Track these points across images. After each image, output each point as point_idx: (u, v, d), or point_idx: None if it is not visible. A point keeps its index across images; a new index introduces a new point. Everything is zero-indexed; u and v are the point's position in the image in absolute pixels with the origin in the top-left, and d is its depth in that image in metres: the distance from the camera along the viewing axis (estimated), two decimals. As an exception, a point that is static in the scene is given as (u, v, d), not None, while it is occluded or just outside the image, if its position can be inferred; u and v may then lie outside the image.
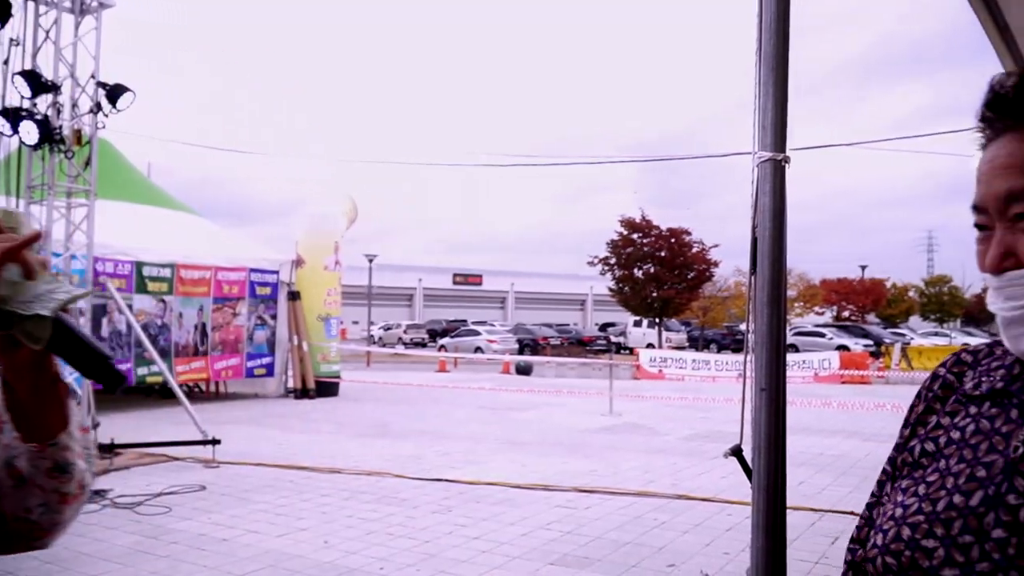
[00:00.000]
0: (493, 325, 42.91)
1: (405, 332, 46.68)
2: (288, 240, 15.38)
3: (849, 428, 10.37)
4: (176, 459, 7.87)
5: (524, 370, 22.55)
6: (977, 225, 0.76)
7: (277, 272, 14.38)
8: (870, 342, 30.54)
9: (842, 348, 27.04)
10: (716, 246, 35.00)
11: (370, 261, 34.55)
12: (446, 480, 6.91)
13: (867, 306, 47.56)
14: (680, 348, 34.24)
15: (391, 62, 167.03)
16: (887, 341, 29.01)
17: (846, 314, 47.05)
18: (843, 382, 18.96)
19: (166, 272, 12.34)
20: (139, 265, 11.89)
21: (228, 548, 4.88)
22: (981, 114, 0.77)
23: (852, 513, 5.56)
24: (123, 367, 11.47)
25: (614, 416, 11.75)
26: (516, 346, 34.71)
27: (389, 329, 48.46)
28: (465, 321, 48.41)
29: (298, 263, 14.72)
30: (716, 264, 35.37)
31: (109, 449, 7.66)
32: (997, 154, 0.74)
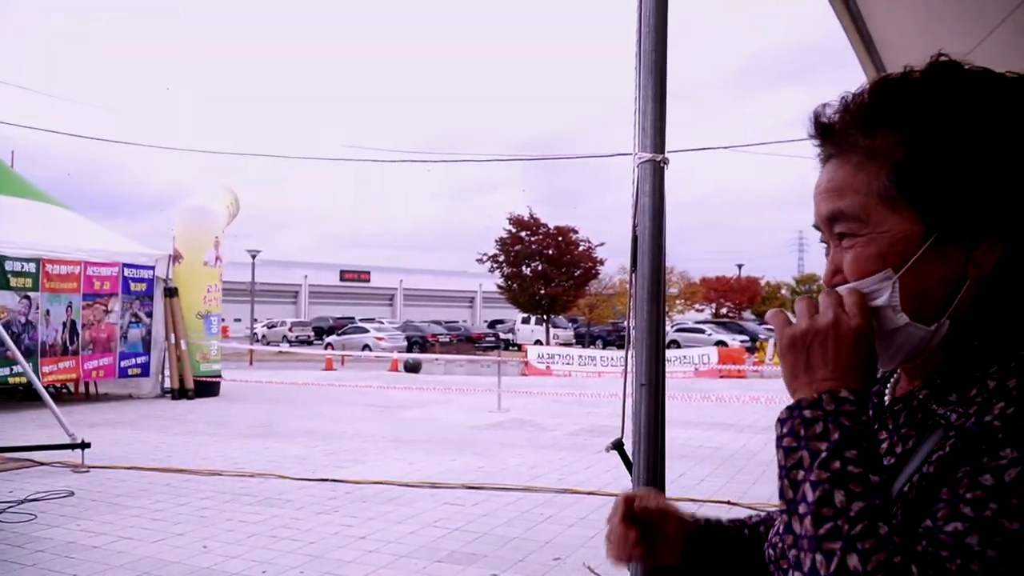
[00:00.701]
0: (381, 322, 42.45)
1: (290, 330, 45.53)
2: (165, 235, 14.72)
3: (726, 421, 10.88)
4: (42, 464, 7.41)
5: (413, 368, 22.43)
6: (822, 240, 0.84)
7: (153, 267, 13.74)
8: (746, 338, 32.08)
9: (720, 344, 28.26)
10: (602, 244, 35.91)
11: (253, 257, 33.47)
12: (332, 480, 6.81)
13: (743, 303, 49.93)
14: (567, 344, 34.95)
15: (279, 51, 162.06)
16: (762, 337, 30.53)
17: (724, 311, 49.24)
18: (721, 376, 19.84)
19: (31, 267, 11.57)
20: (1, 260, 11.10)
21: (99, 556, 4.64)
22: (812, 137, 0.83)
23: (728, 503, 5.85)
24: (-20, 368, 10.69)
25: (502, 412, 11.87)
26: (405, 343, 34.48)
27: (273, 327, 47.14)
28: (353, 318, 47.66)
29: (175, 258, 14.11)
30: (602, 262, 36.29)
31: (-36, 456, 7.14)
32: (822, 179, 0.82)
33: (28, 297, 11.51)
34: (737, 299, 49.72)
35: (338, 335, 36.53)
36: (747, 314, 49.57)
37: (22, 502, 5.94)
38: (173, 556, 4.65)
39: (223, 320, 15.24)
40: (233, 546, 4.86)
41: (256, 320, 39.17)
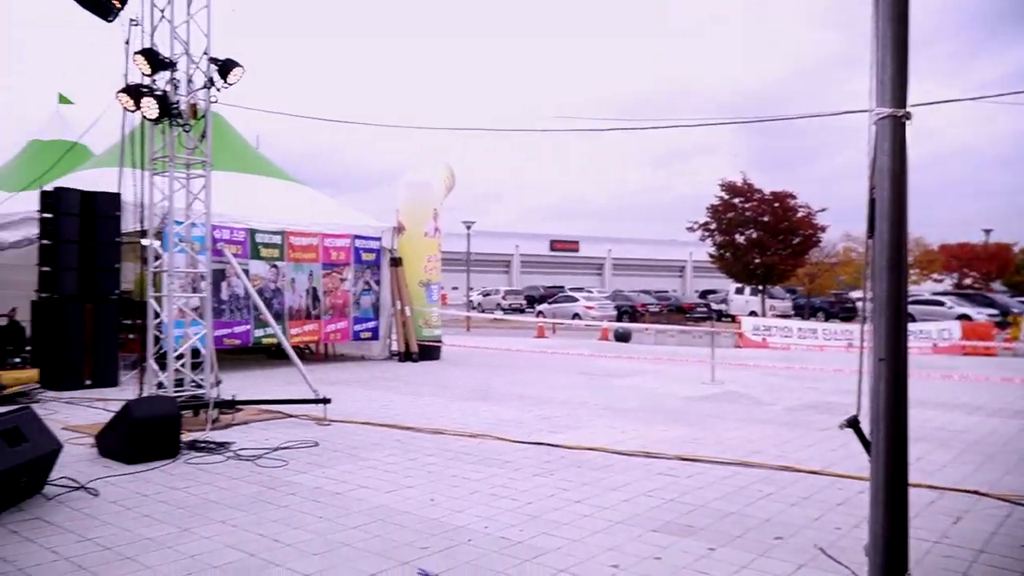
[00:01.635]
0: (591, 292, 42.79)
1: (504, 298, 47.13)
2: (389, 208, 15.72)
3: (972, 402, 9.87)
4: (291, 416, 8.26)
5: (623, 337, 22.43)
6: None
7: (380, 239, 14.75)
8: (995, 311, 28.85)
9: (964, 318, 25.64)
10: (823, 210, 33.70)
11: (468, 228, 34.93)
12: (547, 444, 6.99)
13: (992, 273, 44.86)
14: (785, 316, 33.30)
15: (493, 28, 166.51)
16: (1015, 311, 27.33)
17: (968, 281, 44.53)
18: (965, 353, 18.03)
19: (277, 239, 12.85)
20: (252, 232, 12.43)
21: (341, 501, 5.10)
22: None
23: (977, 492, 5.32)
24: (242, 328, 12.08)
25: (716, 384, 11.57)
26: (614, 313, 34.53)
27: (488, 295, 49.03)
28: (563, 287, 48.44)
29: (399, 230, 15.03)
30: (823, 229, 34.09)
31: (231, 405, 8.11)
32: None
33: (276, 266, 12.81)
34: (984, 268, 44.75)
35: (549, 303, 37.29)
36: (996, 285, 44.49)
37: (275, 449, 6.66)
38: (405, 507, 5.00)
39: (442, 288, 16.08)
40: (457, 501, 5.14)
41: (472, 288, 40.96)
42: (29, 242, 11.33)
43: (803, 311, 36.70)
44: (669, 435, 7.49)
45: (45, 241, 10.34)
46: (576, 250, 70.32)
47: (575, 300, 35.85)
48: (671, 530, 4.56)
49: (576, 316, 32.64)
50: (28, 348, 10.35)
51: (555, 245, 69.51)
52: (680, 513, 4.90)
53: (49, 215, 10.27)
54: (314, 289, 13.48)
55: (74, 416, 8.17)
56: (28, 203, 11.84)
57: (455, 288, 49.21)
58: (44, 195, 10.47)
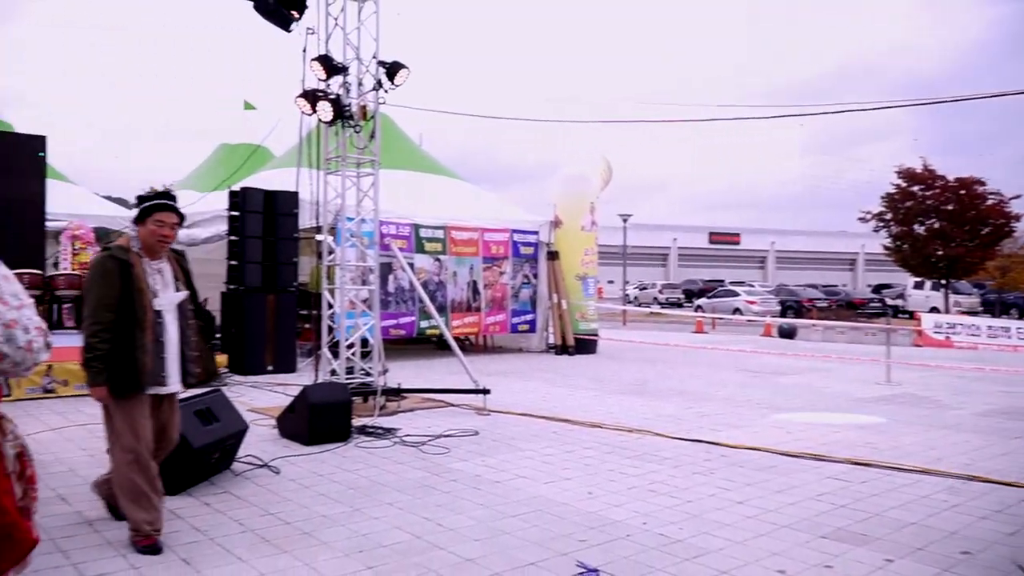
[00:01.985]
0: (752, 285, 41.24)
1: (660, 292, 46.40)
2: (546, 202, 15.85)
3: None
4: (452, 405, 8.52)
5: (788, 333, 21.48)
6: None
7: (537, 233, 14.91)
8: None
9: None
10: (1017, 197, 30.63)
11: (624, 221, 34.60)
12: (707, 442, 6.81)
13: None
14: (972, 313, 30.66)
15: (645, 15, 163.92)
16: None
17: None
18: None
19: (439, 234, 13.29)
20: (417, 227, 12.93)
21: (501, 490, 5.21)
22: None
23: None
24: (407, 320, 12.61)
25: (891, 385, 10.83)
26: (778, 308, 33.11)
27: (644, 289, 48.43)
28: (722, 281, 47.00)
29: (556, 224, 15.13)
30: (1017, 218, 31.02)
31: (397, 393, 8.48)
32: None
33: (439, 260, 13.25)
34: None
35: (708, 298, 36.30)
36: None
37: (438, 437, 6.89)
38: (563, 498, 5.03)
39: (598, 282, 16.03)
40: (615, 495, 5.11)
41: (628, 282, 40.62)
42: (219, 238, 12.36)
43: (993, 308, 33.62)
44: (839, 437, 7.10)
45: (232, 237, 11.21)
46: (737, 242, 68.02)
47: (736, 294, 34.66)
48: (842, 537, 4.32)
49: (737, 311, 31.58)
50: (218, 336, 11.28)
51: (714, 237, 67.56)
52: (853, 520, 4.63)
53: (236, 213, 11.12)
54: (474, 282, 13.84)
55: (258, 399, 8.83)
56: (218, 202, 12.91)
57: (611, 282, 48.93)
58: (232, 195, 11.35)
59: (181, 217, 4.11)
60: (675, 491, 5.23)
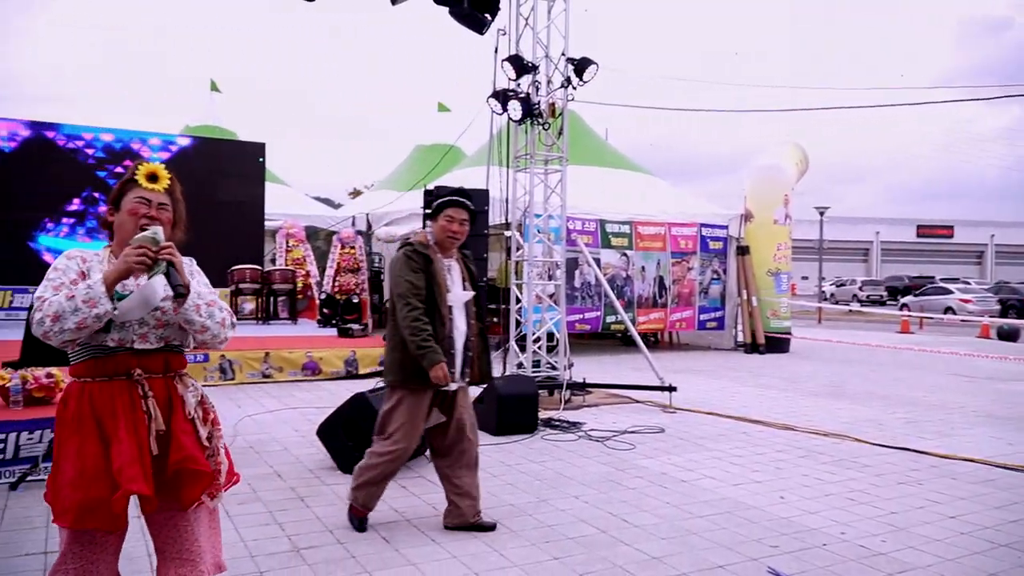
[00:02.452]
0: (967, 283, 37.65)
1: (860, 289, 43.47)
2: (735, 195, 15.33)
3: None
4: (636, 401, 8.49)
5: (1009, 335, 19.42)
6: None
7: (726, 227, 14.48)
8: None
9: None
10: None
11: (821, 214, 32.72)
12: (914, 451, 6.33)
13: None
14: None
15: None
16: None
17: None
18: None
19: (625, 228, 13.25)
20: (602, 223, 12.96)
21: (687, 489, 5.13)
22: None
23: None
24: (593, 315, 12.68)
25: None
26: (997, 307, 29.99)
27: (842, 285, 45.59)
28: (932, 278, 43.28)
29: (746, 217, 14.60)
30: None
31: (582, 387, 8.57)
32: None
33: (625, 255, 13.22)
34: None
35: (915, 295, 33.55)
36: None
37: (623, 432, 6.89)
38: (752, 501, 4.87)
39: (791, 278, 15.30)
40: (810, 501, 4.89)
41: (824, 278, 38.42)
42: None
43: None
44: (1074, 453, 6.34)
45: (427, 234, 11.78)
46: (949, 236, 62.28)
47: (948, 292, 31.76)
48: (1077, 565, 3.86)
49: (949, 310, 28.96)
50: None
51: (922, 230, 62.23)
52: (1090, 546, 4.13)
53: (430, 211, 11.68)
54: (661, 277, 13.67)
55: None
56: (413, 201, 13.61)
57: (805, 278, 46.46)
58: (426, 193, 11.90)
59: (472, 214, 4.15)
60: (877, 501, 4.91)
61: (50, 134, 12.89)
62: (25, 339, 5.32)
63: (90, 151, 13.11)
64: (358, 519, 4.20)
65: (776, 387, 9.99)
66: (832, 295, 43.15)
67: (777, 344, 14.28)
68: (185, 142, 14.22)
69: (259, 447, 6.13)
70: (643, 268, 13.41)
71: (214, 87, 18.44)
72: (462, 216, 4.08)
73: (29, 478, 4.74)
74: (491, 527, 4.22)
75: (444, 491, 4.25)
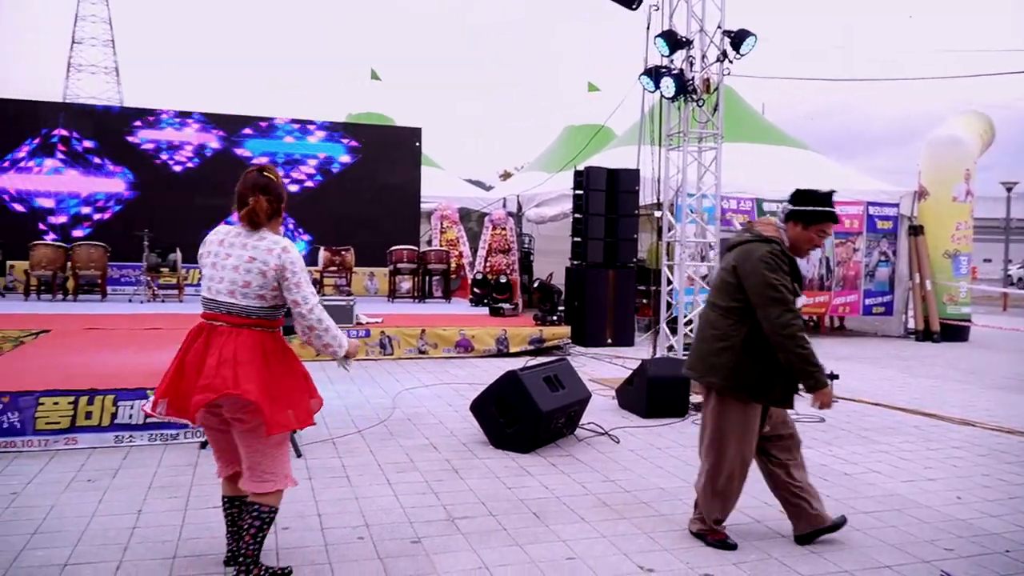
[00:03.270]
0: None
1: (1053, 273, 39.41)
2: (905, 171, 14.25)
3: None
4: (794, 390, 8.09)
5: None
6: None
7: (896, 205, 13.51)
8: None
9: None
10: None
11: (1008, 190, 29.89)
12: (1119, 453, 5.67)
13: None
14: None
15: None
16: None
17: None
18: None
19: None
20: (759, 202, 12.44)
21: (850, 483, 4.85)
22: None
23: None
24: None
25: None
26: None
27: (1031, 269, 41.53)
28: None
29: (920, 195, 13.56)
30: None
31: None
32: None
33: (782, 236, 12.61)
34: None
35: (1120, 281, 30.07)
36: None
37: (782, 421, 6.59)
38: (924, 500, 4.54)
39: (971, 260, 14.06)
40: (991, 503, 4.49)
41: (1010, 260, 35.16)
42: (564, 216, 13.05)
43: None
44: None
45: (576, 215, 11.76)
46: None
47: None
48: None
49: None
50: (561, 308, 11.96)
51: None
52: None
53: (580, 192, 11.64)
54: (827, 259, 12.97)
55: (598, 370, 9.20)
56: (563, 182, 13.62)
57: (988, 260, 42.71)
58: (576, 174, 11.89)
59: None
60: (1072, 507, 4.44)
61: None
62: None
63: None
64: (719, 540, 3.79)
65: (952, 378, 9.25)
66: (1020, 279, 39.42)
67: (954, 332, 13.22)
68: (348, 130, 14.97)
69: (416, 419, 6.35)
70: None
71: (374, 76, 19.18)
72: (831, 230, 3.74)
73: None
74: (840, 524, 3.86)
75: (780, 500, 3.90)
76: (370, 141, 14.87)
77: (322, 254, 13.27)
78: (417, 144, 15.12)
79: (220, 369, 2.88)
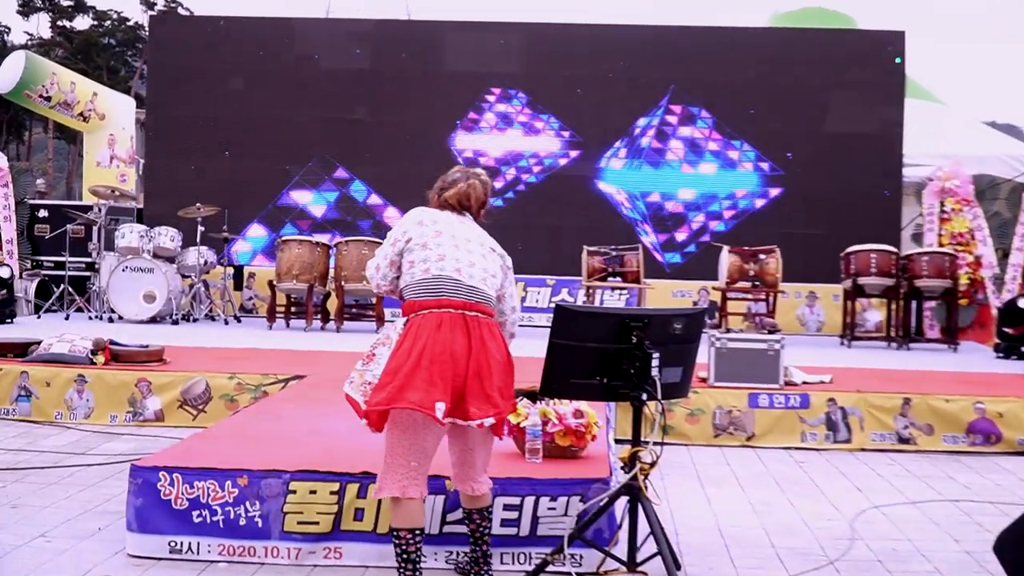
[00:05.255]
0: None
1: None
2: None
3: None
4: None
5: None
6: None
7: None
8: None
9: None
10: None
11: None
12: None
13: None
14: None
15: None
16: None
17: None
18: None
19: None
20: None
21: None
22: None
23: None
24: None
25: None
26: None
27: None
28: None
29: None
30: None
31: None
32: None
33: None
34: None
35: None
36: None
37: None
38: None
39: None
40: None
41: None
42: None
43: None
44: None
45: None
46: None
47: None
48: None
49: None
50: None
51: None
52: None
53: None
54: None
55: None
56: None
57: None
58: None
59: None
60: None
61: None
62: (549, 361, 3.12)
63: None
64: None
65: None
66: None
67: None
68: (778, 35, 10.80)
69: (892, 561, 3.77)
70: None
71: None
72: None
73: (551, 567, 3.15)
74: None
75: None
76: (817, 54, 9.82)
77: (726, 258, 8.16)
78: (898, 60, 9.58)
79: (505, 377, 2.76)
